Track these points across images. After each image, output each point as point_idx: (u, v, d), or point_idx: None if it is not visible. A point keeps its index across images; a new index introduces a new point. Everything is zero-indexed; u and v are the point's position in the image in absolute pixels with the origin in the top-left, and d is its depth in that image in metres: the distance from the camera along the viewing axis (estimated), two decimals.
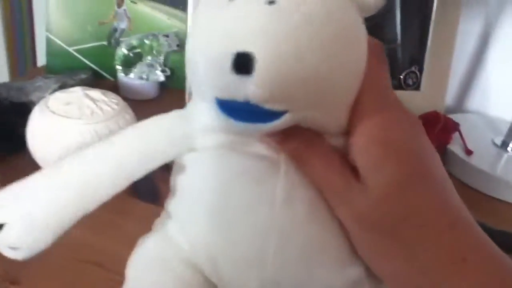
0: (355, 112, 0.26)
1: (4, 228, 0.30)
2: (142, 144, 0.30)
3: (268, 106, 0.23)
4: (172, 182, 0.32)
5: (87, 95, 0.53)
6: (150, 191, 0.50)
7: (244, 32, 0.22)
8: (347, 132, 0.27)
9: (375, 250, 0.26)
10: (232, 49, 0.21)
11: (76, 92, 0.53)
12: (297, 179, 0.27)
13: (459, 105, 0.82)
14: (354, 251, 0.28)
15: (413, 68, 0.73)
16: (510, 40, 0.75)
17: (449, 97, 0.80)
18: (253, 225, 0.27)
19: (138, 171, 0.30)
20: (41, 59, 1.14)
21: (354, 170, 0.26)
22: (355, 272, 0.28)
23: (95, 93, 0.54)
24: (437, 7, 0.71)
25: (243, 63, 0.21)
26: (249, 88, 0.22)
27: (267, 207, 0.27)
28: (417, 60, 0.73)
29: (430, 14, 0.72)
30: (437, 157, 0.27)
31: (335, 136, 0.27)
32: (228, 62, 0.21)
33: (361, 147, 0.26)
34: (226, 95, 0.23)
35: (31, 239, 0.30)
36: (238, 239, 0.28)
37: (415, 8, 0.72)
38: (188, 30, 0.59)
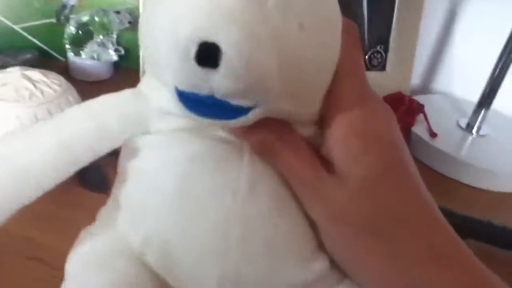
0: (333, 102, 0.25)
1: None
2: (89, 125, 0.26)
3: (235, 102, 0.21)
4: (120, 168, 0.28)
5: (25, 76, 0.49)
6: (97, 179, 0.47)
7: (210, 18, 0.19)
8: (319, 121, 0.25)
9: (351, 247, 0.25)
10: (196, 38, 0.19)
11: (13, 73, 0.49)
12: (263, 169, 0.25)
13: (425, 86, 0.80)
14: (319, 246, 0.26)
15: (378, 48, 0.71)
16: (476, 20, 0.74)
17: (415, 78, 0.79)
18: (214, 215, 0.25)
19: (85, 155, 0.27)
20: None
21: (325, 162, 0.25)
22: (319, 265, 0.27)
23: (35, 74, 0.50)
24: None
25: (208, 55, 0.19)
26: (214, 81, 0.19)
27: (229, 196, 0.25)
28: (383, 39, 0.71)
29: None
30: (407, 148, 0.26)
31: (305, 125, 0.25)
32: (191, 51, 0.19)
33: (340, 139, 0.25)
34: (188, 87, 0.21)
35: None
36: (197, 231, 0.26)
37: None
38: (141, 6, 0.55)
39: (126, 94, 0.28)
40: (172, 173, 0.26)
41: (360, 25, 0.70)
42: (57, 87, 0.49)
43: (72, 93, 0.50)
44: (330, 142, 0.25)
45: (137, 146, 0.27)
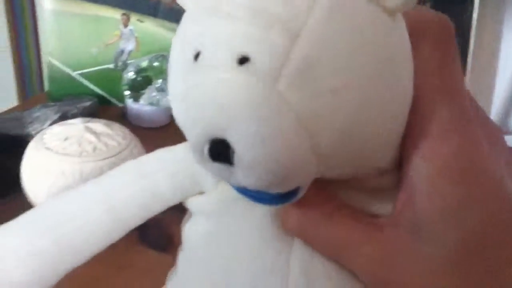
0: (411, 139, 0.19)
1: None
2: (140, 188, 0.25)
3: (272, 191, 0.18)
4: (182, 228, 0.26)
5: (88, 128, 0.46)
6: (157, 236, 0.44)
7: (211, 113, 0.17)
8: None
9: None
10: (207, 135, 0.17)
11: (76, 125, 0.47)
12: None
13: (504, 126, 0.75)
14: None
15: None
16: None
17: (492, 117, 0.74)
18: None
19: (134, 221, 0.25)
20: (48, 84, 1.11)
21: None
22: None
23: (98, 126, 0.47)
24: (476, 26, 0.65)
25: (220, 152, 0.17)
26: (238, 177, 0.18)
27: (278, 279, 0.22)
28: None
29: (468, 36, 0.66)
30: None
31: (379, 175, 0.21)
32: (205, 150, 0.17)
33: (421, 187, 0.19)
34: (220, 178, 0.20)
35: None
36: None
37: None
38: None
39: (180, 149, 0.25)
40: (211, 247, 0.23)
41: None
42: (121, 140, 0.46)
43: (136, 144, 0.47)
44: (404, 194, 0.20)
45: (190, 207, 0.25)
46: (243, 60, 0.16)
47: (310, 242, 0.21)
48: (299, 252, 0.22)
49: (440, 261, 0.19)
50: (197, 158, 0.18)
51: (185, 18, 0.20)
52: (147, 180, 0.25)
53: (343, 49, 0.16)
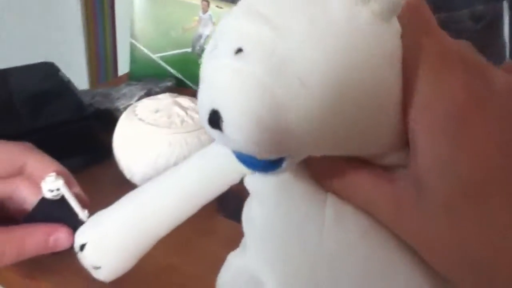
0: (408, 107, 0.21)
1: (85, 248, 0.33)
2: (207, 167, 0.31)
3: (259, 157, 0.22)
4: (250, 197, 0.30)
5: (176, 103, 0.49)
6: (235, 208, 0.46)
7: (213, 89, 0.22)
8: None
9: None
10: (208, 106, 0.22)
11: (165, 99, 0.50)
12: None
13: None
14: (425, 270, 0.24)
15: None
16: None
17: None
18: (299, 253, 0.26)
19: (207, 194, 0.32)
20: (122, 67, 1.14)
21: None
22: None
23: (185, 100, 0.50)
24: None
25: (214, 120, 0.21)
26: (229, 141, 0.22)
27: (314, 230, 0.25)
28: None
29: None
30: None
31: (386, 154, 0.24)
32: (207, 117, 0.22)
33: (420, 137, 0.21)
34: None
35: (109, 259, 0.33)
36: (289, 269, 0.27)
37: None
38: None
39: None
40: (261, 207, 0.28)
41: (501, 55, 0.64)
42: None
43: None
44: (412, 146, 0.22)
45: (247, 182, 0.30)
46: (238, 52, 0.21)
47: (340, 193, 0.24)
48: (332, 204, 0.25)
49: (437, 210, 0.20)
50: (206, 128, 0.22)
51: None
52: (213, 161, 0.31)
53: (320, 49, 0.20)
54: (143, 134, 0.46)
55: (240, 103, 0.21)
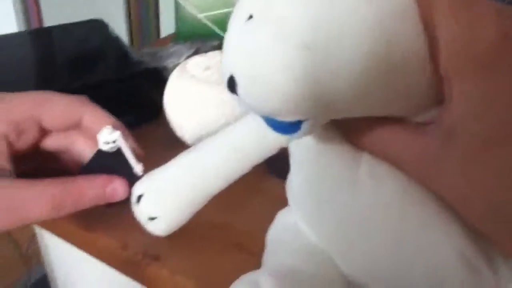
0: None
1: (142, 199, 0.34)
2: (258, 135, 0.33)
3: (279, 118, 0.23)
4: (290, 160, 0.31)
5: None
6: (284, 168, 0.46)
7: (229, 55, 0.23)
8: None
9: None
10: (228, 72, 0.23)
11: (216, 57, 0.49)
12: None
13: None
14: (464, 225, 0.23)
15: None
16: None
17: None
18: (334, 209, 0.27)
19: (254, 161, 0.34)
20: (164, 29, 1.13)
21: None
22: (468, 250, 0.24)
23: None
24: None
25: (232, 85, 0.22)
26: (245, 104, 0.23)
27: (347, 185, 0.26)
28: None
29: None
30: None
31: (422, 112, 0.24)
32: (226, 83, 0.23)
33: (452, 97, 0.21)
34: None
35: (166, 210, 0.34)
36: (327, 228, 0.28)
37: None
38: None
39: None
40: (297, 170, 0.30)
41: None
42: None
43: None
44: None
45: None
46: (249, 18, 0.22)
47: (373, 151, 0.25)
48: (367, 162, 0.25)
49: (463, 160, 0.20)
50: (228, 92, 0.23)
51: None
52: (257, 130, 0.33)
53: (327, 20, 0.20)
54: (194, 91, 0.46)
55: (253, 66, 0.21)
